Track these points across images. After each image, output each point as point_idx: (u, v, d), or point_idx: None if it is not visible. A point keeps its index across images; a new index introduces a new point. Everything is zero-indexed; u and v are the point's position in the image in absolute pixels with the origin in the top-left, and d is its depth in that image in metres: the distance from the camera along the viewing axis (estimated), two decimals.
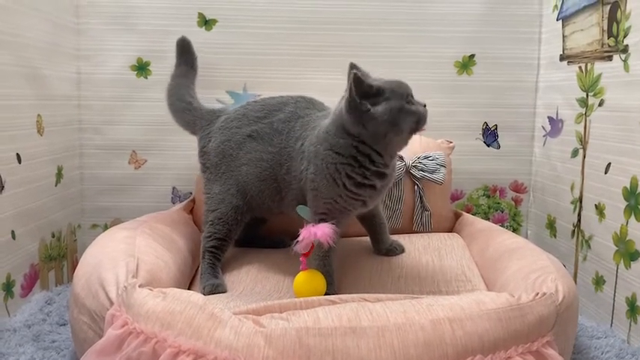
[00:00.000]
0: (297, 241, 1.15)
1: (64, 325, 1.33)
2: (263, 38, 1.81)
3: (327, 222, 1.17)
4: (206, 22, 1.81)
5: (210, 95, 1.79)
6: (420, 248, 1.48)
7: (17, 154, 1.43)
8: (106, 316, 0.97)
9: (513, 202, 1.95)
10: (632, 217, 1.32)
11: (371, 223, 1.45)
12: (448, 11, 1.82)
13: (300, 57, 1.83)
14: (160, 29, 1.79)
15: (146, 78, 1.82)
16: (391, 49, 1.83)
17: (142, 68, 1.82)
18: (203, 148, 1.45)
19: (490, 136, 1.91)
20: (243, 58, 1.82)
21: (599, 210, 1.47)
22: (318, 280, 1.20)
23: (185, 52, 1.62)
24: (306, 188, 1.27)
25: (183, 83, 1.58)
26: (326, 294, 1.18)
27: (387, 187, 1.30)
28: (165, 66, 1.72)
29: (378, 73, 1.80)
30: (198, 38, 1.78)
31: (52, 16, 1.63)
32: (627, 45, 1.35)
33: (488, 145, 1.91)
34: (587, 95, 1.54)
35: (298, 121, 1.35)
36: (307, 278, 1.20)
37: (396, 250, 1.45)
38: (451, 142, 1.76)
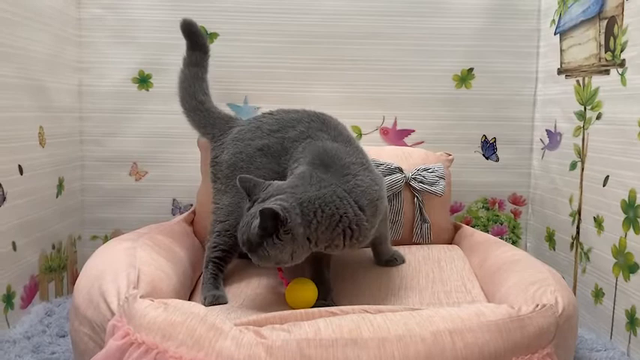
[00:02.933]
0: None
1: (64, 336, 1.33)
2: (264, 52, 1.83)
3: None
4: (207, 36, 1.82)
5: None
6: (420, 259, 1.48)
7: (19, 165, 1.44)
8: (107, 327, 0.97)
9: (512, 215, 1.96)
10: (631, 229, 1.33)
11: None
12: (447, 25, 1.84)
13: (301, 70, 1.84)
14: (162, 42, 1.80)
15: (147, 90, 1.84)
16: (391, 63, 1.85)
17: (143, 81, 1.83)
18: (215, 158, 1.44)
19: (489, 148, 1.92)
20: (244, 71, 1.83)
21: (598, 222, 1.47)
22: (307, 288, 1.21)
23: (191, 34, 1.58)
24: None
25: (196, 74, 1.55)
26: (324, 304, 1.18)
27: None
28: (166, 79, 1.74)
29: (378, 85, 1.84)
30: None
31: (54, 29, 1.64)
32: (624, 59, 1.36)
33: (487, 158, 1.92)
34: (585, 109, 1.55)
35: (304, 142, 1.33)
36: (295, 287, 1.21)
37: (397, 260, 1.45)
38: (450, 155, 1.77)
